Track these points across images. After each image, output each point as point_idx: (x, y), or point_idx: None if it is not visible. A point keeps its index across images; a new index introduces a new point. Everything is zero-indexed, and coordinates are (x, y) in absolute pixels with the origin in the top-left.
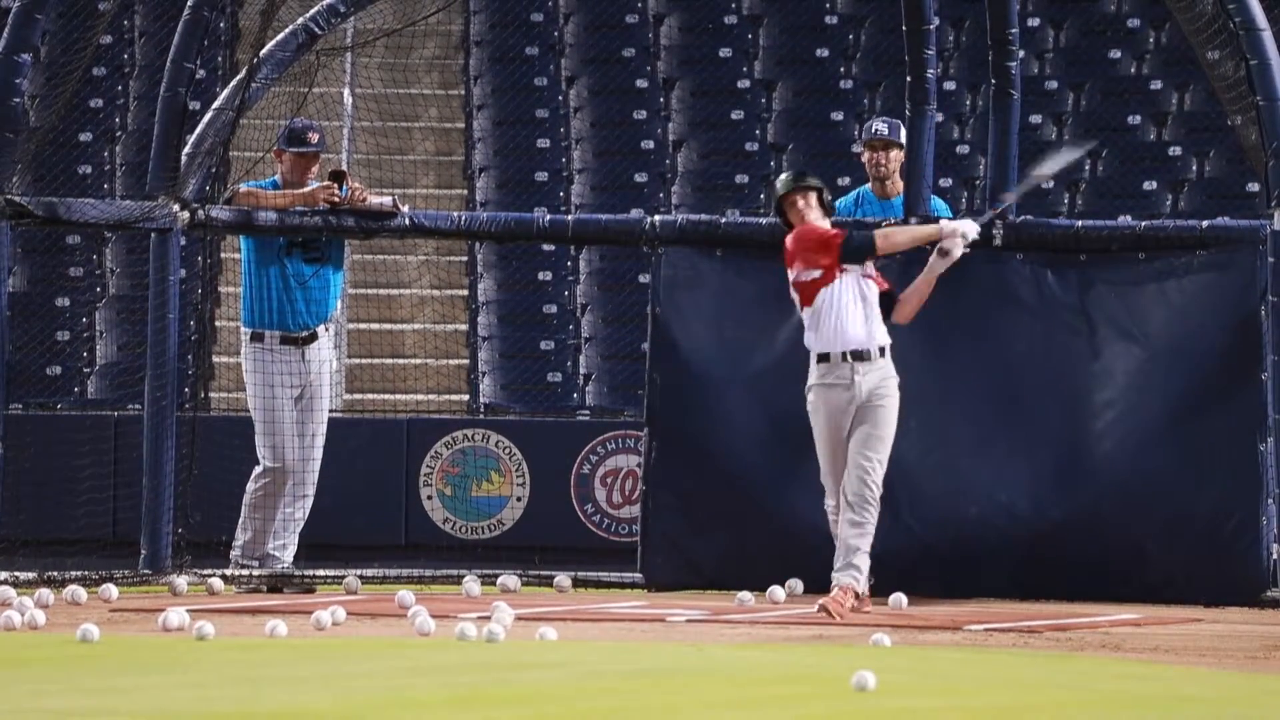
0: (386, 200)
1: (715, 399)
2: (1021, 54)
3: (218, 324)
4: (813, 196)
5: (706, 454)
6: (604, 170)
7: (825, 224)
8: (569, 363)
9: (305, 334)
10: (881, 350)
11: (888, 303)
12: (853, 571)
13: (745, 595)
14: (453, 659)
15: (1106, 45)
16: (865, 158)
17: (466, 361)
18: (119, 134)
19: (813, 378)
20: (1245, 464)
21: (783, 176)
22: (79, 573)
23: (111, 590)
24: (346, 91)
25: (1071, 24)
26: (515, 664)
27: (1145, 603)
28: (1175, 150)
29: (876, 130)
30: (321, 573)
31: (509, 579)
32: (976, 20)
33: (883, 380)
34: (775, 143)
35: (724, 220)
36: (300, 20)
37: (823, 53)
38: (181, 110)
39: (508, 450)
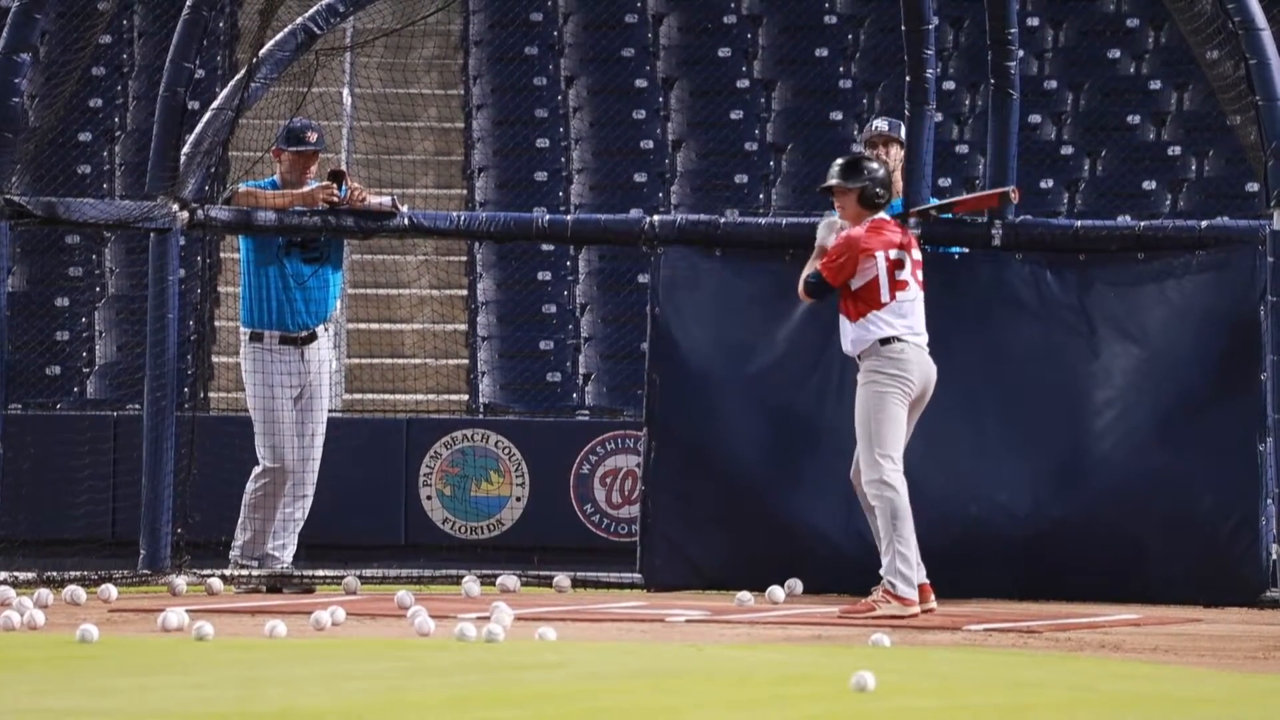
0: (386, 200)
1: (715, 399)
2: (1021, 54)
3: (217, 324)
4: (850, 198)
5: (706, 454)
6: (603, 170)
7: (859, 229)
8: (568, 362)
9: (304, 334)
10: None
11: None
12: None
13: (745, 595)
14: (452, 659)
15: (1106, 45)
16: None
17: (466, 361)
18: (118, 134)
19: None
20: (1245, 464)
21: (836, 164)
22: (78, 573)
23: (111, 590)
24: (346, 91)
25: (1071, 24)
26: (515, 664)
27: (1145, 603)
28: (1175, 150)
29: (876, 126)
30: (321, 573)
31: (508, 579)
32: (976, 20)
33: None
34: (775, 143)
35: (723, 220)
36: (299, 20)
37: (822, 53)
38: (181, 110)
39: (507, 450)
